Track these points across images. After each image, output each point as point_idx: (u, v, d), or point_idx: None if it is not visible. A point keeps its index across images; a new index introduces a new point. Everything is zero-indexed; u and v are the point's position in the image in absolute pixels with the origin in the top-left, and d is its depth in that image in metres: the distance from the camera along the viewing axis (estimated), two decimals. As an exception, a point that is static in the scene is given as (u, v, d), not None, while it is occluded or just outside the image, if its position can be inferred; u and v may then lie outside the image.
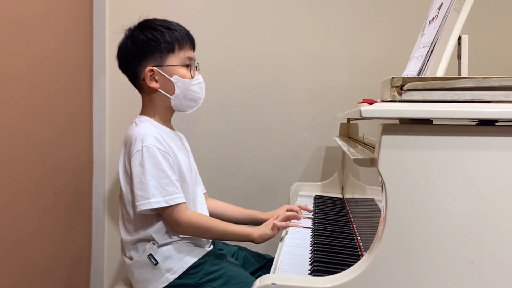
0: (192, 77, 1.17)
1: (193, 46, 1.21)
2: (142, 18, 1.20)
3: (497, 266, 0.64)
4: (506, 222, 0.64)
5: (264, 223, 1.19)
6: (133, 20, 1.20)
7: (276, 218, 1.19)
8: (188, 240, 1.13)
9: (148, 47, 1.14)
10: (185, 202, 1.09)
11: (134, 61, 1.17)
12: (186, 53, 1.17)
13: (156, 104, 1.18)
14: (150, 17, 1.20)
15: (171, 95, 1.16)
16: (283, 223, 1.14)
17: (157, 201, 1.05)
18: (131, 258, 1.13)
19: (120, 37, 1.21)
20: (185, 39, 1.17)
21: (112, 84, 1.72)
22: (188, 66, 1.17)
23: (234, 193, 1.70)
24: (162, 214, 1.09)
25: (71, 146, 1.58)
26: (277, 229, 1.13)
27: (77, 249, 1.67)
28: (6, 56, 1.21)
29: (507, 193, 0.63)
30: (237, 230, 1.13)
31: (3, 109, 1.20)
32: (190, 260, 1.11)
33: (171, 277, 1.09)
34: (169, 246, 1.10)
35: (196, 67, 1.20)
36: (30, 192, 1.34)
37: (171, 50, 1.15)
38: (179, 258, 1.10)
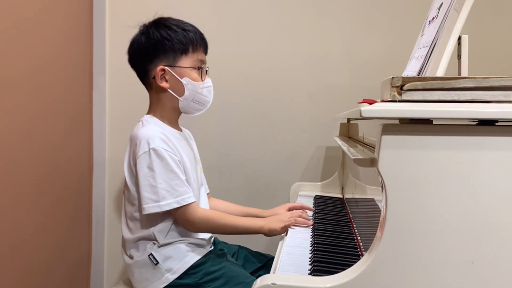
0: (202, 80, 1.17)
1: (205, 50, 1.20)
2: (157, 16, 1.19)
3: (498, 266, 0.64)
4: (507, 222, 0.64)
5: (276, 216, 1.17)
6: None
7: (287, 213, 1.18)
8: (188, 241, 1.13)
9: (162, 45, 1.14)
10: (195, 201, 1.10)
11: (146, 58, 1.16)
12: (199, 56, 1.17)
13: (164, 104, 1.18)
14: (150, 18, 1.20)
15: (179, 97, 1.16)
16: (292, 221, 1.13)
17: (168, 203, 1.05)
18: (131, 257, 1.13)
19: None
20: (199, 42, 1.17)
21: (112, 84, 1.72)
22: (199, 69, 1.17)
23: (234, 193, 1.70)
24: (174, 214, 1.09)
25: (71, 146, 1.58)
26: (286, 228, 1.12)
27: (77, 249, 1.67)
28: (5, 57, 1.21)
29: (507, 192, 0.63)
30: (248, 224, 1.13)
31: (3, 109, 1.20)
32: (190, 260, 1.11)
33: (171, 277, 1.09)
34: (169, 247, 1.10)
35: (206, 71, 1.20)
36: (31, 193, 1.34)
37: (184, 52, 1.14)
38: (179, 258, 1.10)
